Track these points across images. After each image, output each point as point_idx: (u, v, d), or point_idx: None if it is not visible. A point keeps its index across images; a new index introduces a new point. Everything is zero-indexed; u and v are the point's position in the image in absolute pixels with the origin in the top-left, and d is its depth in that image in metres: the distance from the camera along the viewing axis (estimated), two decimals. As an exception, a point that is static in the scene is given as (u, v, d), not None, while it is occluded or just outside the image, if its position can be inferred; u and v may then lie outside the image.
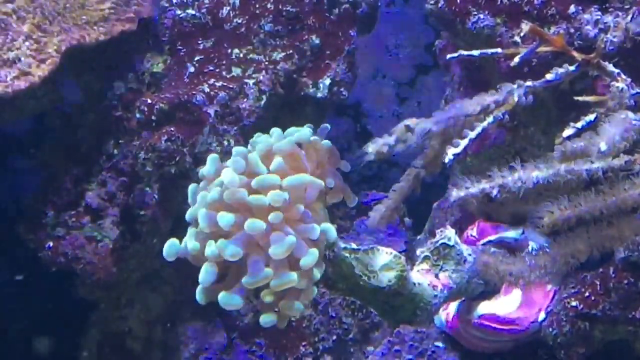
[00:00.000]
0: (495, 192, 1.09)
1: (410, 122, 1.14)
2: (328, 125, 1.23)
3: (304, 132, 1.18)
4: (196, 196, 1.15)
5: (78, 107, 1.70)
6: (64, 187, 1.65)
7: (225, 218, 1.09)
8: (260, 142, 1.18)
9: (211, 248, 1.10)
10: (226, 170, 1.13)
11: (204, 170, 1.16)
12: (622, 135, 1.07)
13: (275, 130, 1.20)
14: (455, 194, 1.11)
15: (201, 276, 1.11)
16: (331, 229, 1.14)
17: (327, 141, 1.21)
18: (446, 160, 1.10)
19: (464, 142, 1.09)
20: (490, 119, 1.11)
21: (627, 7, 1.35)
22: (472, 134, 1.09)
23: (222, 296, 1.11)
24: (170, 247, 1.14)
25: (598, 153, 1.06)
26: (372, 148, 1.13)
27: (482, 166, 1.56)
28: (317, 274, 1.12)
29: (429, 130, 1.12)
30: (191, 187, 1.17)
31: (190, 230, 1.15)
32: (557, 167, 1.09)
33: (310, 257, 1.09)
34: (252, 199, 1.09)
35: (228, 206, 1.11)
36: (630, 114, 1.11)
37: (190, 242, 1.13)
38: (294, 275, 1.08)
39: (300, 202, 1.12)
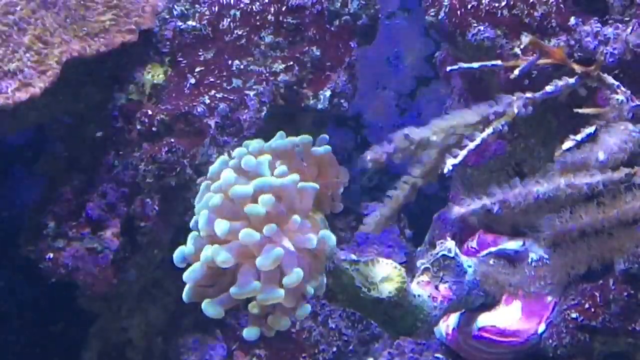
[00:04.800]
0: (496, 208, 1.09)
1: (410, 131, 1.14)
2: (326, 136, 1.22)
3: (305, 136, 1.19)
4: (203, 195, 1.15)
5: (79, 118, 1.70)
6: (64, 198, 1.65)
7: (220, 225, 1.09)
8: (252, 144, 1.18)
9: (206, 253, 1.10)
10: (225, 170, 1.13)
11: (211, 168, 1.17)
12: (620, 146, 1.07)
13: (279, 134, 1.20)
14: (456, 211, 1.11)
15: (186, 273, 1.11)
16: (330, 236, 1.13)
17: (327, 146, 1.20)
18: (445, 171, 1.10)
19: (463, 153, 1.09)
20: (489, 130, 1.11)
21: (627, 19, 1.35)
22: (472, 145, 1.09)
23: (205, 303, 1.11)
24: (179, 254, 1.15)
25: (596, 162, 1.07)
26: (371, 156, 1.13)
27: (483, 177, 1.56)
28: (311, 290, 1.12)
29: (428, 139, 1.12)
30: (203, 184, 1.17)
31: (192, 234, 1.15)
32: (557, 181, 1.09)
33: (294, 275, 1.08)
34: (248, 209, 1.09)
35: (228, 212, 1.11)
36: (630, 125, 1.11)
37: (189, 245, 1.13)
38: (281, 291, 1.07)
39: (295, 209, 1.11)
